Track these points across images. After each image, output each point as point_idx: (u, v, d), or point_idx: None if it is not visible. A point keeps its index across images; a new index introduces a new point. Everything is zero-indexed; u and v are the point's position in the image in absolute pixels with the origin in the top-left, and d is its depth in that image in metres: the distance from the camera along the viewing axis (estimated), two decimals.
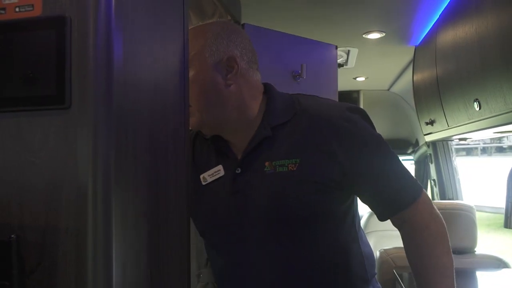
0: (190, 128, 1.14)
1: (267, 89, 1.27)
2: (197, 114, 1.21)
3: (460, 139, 2.62)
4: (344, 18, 2.38)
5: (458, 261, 2.57)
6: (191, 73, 1.14)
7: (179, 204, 1.21)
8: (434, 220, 1.23)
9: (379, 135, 1.23)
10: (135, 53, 1.00)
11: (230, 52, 1.20)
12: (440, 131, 2.32)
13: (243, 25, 2.10)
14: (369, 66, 3.35)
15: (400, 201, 1.21)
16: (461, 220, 2.60)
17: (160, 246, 1.07)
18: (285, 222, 1.18)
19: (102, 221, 0.85)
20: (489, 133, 2.02)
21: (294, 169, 1.15)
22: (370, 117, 1.26)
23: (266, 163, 1.18)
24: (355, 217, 1.30)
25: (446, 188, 3.82)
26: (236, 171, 1.23)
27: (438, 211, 1.24)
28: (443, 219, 1.24)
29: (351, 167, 1.16)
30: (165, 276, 1.10)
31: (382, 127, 1.54)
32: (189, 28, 1.17)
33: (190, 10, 2.17)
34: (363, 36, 2.55)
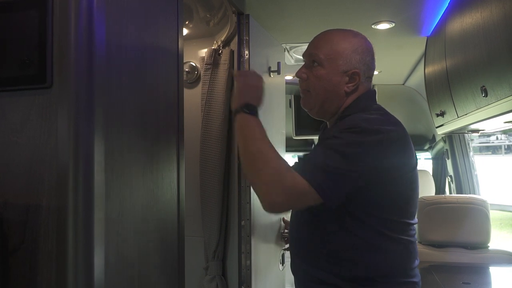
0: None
1: (362, 95, 1.49)
2: (311, 101, 1.51)
3: (472, 131, 2.55)
4: (352, 7, 2.34)
5: (471, 257, 2.53)
6: (322, 71, 1.45)
7: (170, 189, 1.21)
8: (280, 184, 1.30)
9: (358, 141, 1.32)
10: (120, 34, 1.00)
11: (358, 67, 1.45)
12: (450, 121, 2.27)
13: (247, 15, 2.09)
14: (381, 59, 3.28)
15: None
16: (474, 214, 2.53)
17: (148, 229, 1.07)
18: None
19: (82, 199, 0.85)
20: (500, 123, 1.97)
21: None
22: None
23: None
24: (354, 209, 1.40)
25: (463, 184, 3.73)
26: (314, 144, 1.71)
27: (290, 190, 1.30)
28: (287, 197, 1.31)
29: None
30: (153, 257, 1.10)
31: None
32: (331, 30, 1.51)
33: (197, 3, 2.17)
34: (372, 26, 2.50)
